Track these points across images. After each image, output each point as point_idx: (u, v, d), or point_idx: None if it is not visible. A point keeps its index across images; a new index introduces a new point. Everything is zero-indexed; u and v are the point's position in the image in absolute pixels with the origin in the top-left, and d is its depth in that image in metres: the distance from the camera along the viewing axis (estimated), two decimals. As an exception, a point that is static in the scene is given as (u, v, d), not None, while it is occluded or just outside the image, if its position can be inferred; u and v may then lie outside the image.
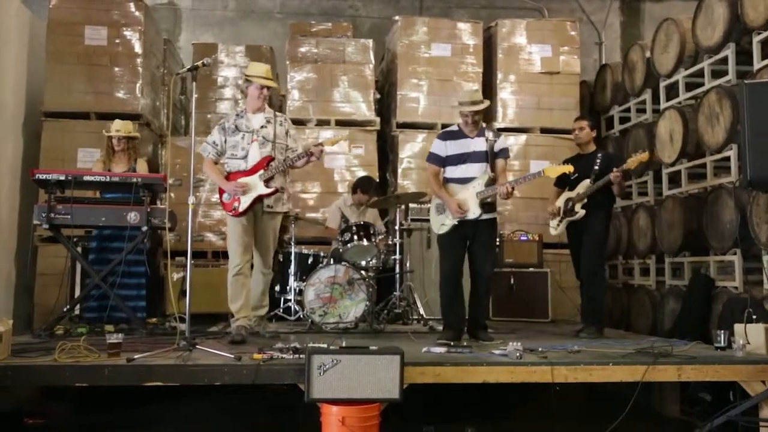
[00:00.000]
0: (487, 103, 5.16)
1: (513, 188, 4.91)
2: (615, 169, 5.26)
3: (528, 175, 5.31)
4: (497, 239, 6.22)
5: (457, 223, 4.94)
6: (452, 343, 4.50)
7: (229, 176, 4.90)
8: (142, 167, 5.89)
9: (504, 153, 5.11)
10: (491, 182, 4.94)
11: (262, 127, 4.93)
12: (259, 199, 4.82)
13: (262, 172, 4.82)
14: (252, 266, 4.98)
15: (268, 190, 4.83)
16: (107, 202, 5.28)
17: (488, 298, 5.16)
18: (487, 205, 4.98)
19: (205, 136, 7.28)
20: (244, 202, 4.79)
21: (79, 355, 3.81)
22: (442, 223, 5.03)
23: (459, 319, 5.02)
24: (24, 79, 6.91)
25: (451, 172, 5.05)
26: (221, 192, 4.90)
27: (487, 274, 5.08)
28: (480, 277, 5.04)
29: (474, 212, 4.92)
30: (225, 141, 4.94)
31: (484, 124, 5.19)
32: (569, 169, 5.06)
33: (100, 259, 5.58)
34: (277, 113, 5.11)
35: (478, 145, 5.03)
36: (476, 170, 4.98)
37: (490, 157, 5.00)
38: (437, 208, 5.10)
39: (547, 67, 7.83)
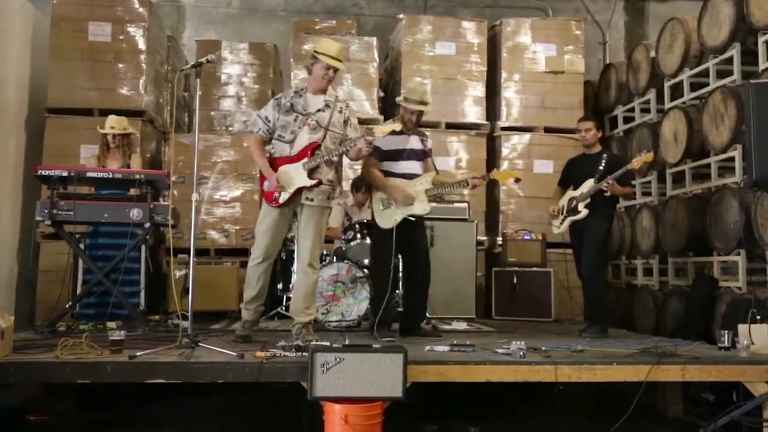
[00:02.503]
0: (430, 107, 5.18)
1: (477, 184, 5.12)
2: (609, 177, 5.26)
3: (479, 176, 5.21)
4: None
5: (412, 218, 4.94)
6: (456, 342, 4.48)
7: (272, 161, 4.56)
8: (136, 163, 5.87)
9: (431, 153, 5.23)
10: (436, 180, 5.06)
11: (318, 110, 4.51)
12: (300, 190, 4.46)
13: (306, 160, 4.44)
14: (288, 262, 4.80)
15: (311, 182, 4.42)
16: (110, 199, 5.27)
17: (427, 294, 5.23)
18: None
19: (209, 134, 7.43)
20: (287, 192, 4.46)
21: (82, 351, 3.79)
22: (394, 218, 4.95)
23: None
24: (27, 76, 6.91)
25: (394, 166, 5.03)
26: (263, 178, 4.59)
27: (427, 269, 5.13)
28: (424, 273, 5.10)
29: (424, 208, 4.97)
30: (278, 119, 4.52)
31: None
32: (516, 175, 5.28)
33: (93, 255, 5.56)
34: (339, 98, 4.71)
35: (415, 143, 5.10)
36: (418, 167, 5.08)
37: (424, 157, 5.13)
38: (382, 202, 5.03)
39: (552, 66, 7.82)
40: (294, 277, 6.20)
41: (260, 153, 4.56)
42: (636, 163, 5.28)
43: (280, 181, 4.43)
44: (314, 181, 4.44)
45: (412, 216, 4.96)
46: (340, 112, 4.60)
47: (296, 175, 4.45)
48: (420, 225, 5.13)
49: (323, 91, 4.57)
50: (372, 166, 5.04)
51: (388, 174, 5.05)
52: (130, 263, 5.55)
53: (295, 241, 4.73)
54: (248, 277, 4.64)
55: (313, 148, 4.45)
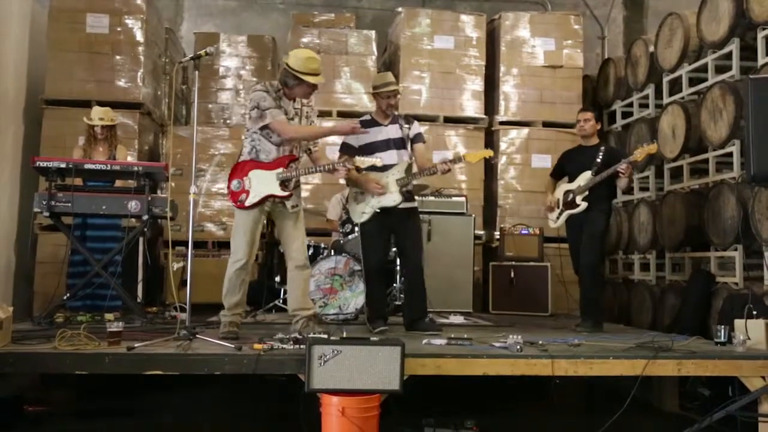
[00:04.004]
0: (398, 86, 5.09)
1: (448, 168, 4.84)
2: (623, 161, 5.23)
3: (449, 160, 4.96)
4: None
5: (378, 210, 4.87)
6: (453, 335, 4.50)
7: (243, 164, 4.42)
8: (122, 154, 5.85)
9: (420, 137, 5.09)
10: (410, 168, 4.90)
11: (290, 119, 4.43)
12: (270, 198, 4.38)
13: (281, 170, 4.37)
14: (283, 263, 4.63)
15: (283, 193, 4.36)
16: (108, 191, 5.27)
17: (424, 288, 5.11)
18: (408, 194, 4.97)
19: (207, 126, 7.42)
20: (254, 196, 4.35)
21: (80, 343, 3.79)
22: (362, 212, 4.93)
23: (385, 307, 5.19)
24: (25, 67, 6.88)
25: (371, 160, 4.90)
26: (231, 178, 4.43)
27: (420, 264, 5.07)
28: (414, 268, 5.04)
29: (395, 199, 4.86)
30: None
31: (396, 112, 5.14)
32: (489, 153, 5.07)
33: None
34: (303, 102, 4.54)
35: (393, 132, 5.00)
36: (393, 157, 4.93)
37: (407, 143, 5.01)
38: (355, 197, 5.00)
39: (550, 60, 7.82)
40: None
41: (301, 126, 4.44)
42: (639, 154, 5.24)
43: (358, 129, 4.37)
44: (286, 193, 4.39)
45: (380, 208, 4.88)
46: (307, 117, 4.55)
47: (269, 182, 4.36)
48: (406, 218, 5.01)
49: (294, 99, 4.49)
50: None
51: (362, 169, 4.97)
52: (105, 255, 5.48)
53: (282, 243, 4.62)
54: (230, 282, 4.42)
55: (289, 161, 4.41)
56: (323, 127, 4.43)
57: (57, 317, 5.05)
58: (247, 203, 4.37)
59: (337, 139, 7.26)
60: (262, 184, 4.36)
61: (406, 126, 5.04)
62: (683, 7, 6.87)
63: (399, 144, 5.00)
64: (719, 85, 5.72)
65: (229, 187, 4.47)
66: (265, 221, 4.77)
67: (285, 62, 4.39)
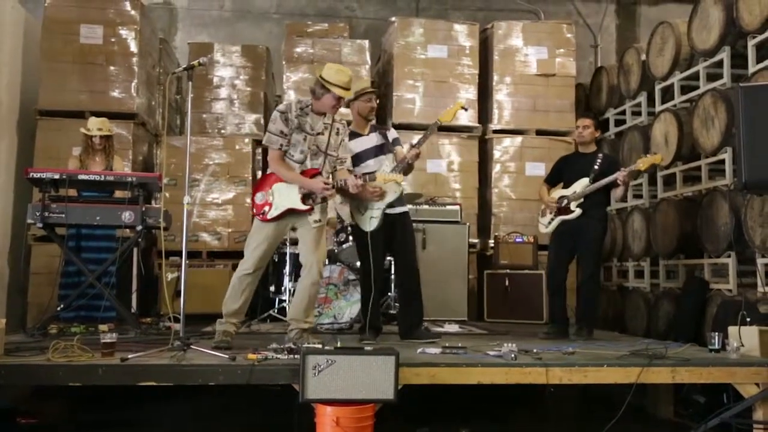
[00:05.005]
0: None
1: (419, 152, 4.88)
2: (622, 169, 5.22)
3: (426, 132, 5.01)
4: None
5: (384, 208, 4.88)
6: (448, 344, 4.50)
7: (269, 177, 4.52)
8: (118, 165, 5.84)
9: (398, 141, 5.17)
10: (396, 159, 4.98)
11: (318, 133, 4.49)
12: (292, 211, 4.44)
13: None
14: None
15: (303, 207, 4.42)
16: (102, 201, 5.26)
17: (420, 293, 5.09)
18: (398, 199, 5.00)
19: (201, 136, 7.43)
20: (275, 209, 4.42)
21: (73, 354, 3.78)
22: (371, 217, 4.91)
23: (378, 318, 5.17)
24: (18, 78, 6.89)
25: (360, 170, 4.94)
26: (256, 191, 4.53)
27: (416, 266, 5.09)
28: (409, 271, 5.06)
29: (395, 191, 4.89)
30: (291, 135, 4.44)
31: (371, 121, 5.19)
32: (460, 104, 5.08)
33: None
34: (335, 119, 4.60)
35: (375, 140, 5.06)
36: (379, 163, 4.98)
37: (388, 149, 5.05)
38: (357, 208, 4.99)
39: (543, 69, 7.85)
40: (286, 280, 6.22)
41: (285, 166, 4.45)
42: (642, 164, 5.23)
43: (328, 187, 4.40)
44: (306, 207, 4.43)
45: (387, 206, 4.89)
46: (337, 133, 4.58)
47: (290, 196, 4.43)
48: (399, 223, 5.03)
49: (323, 114, 4.53)
50: None
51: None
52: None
53: (301, 255, 4.63)
54: (233, 287, 4.45)
55: (311, 175, 4.44)
56: (297, 176, 4.43)
57: (50, 329, 5.03)
58: (269, 216, 4.44)
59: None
60: (284, 197, 4.43)
61: (383, 132, 5.11)
62: (675, 16, 6.93)
63: (384, 150, 5.05)
64: (711, 93, 5.75)
65: (253, 199, 4.55)
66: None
67: (318, 73, 4.45)
